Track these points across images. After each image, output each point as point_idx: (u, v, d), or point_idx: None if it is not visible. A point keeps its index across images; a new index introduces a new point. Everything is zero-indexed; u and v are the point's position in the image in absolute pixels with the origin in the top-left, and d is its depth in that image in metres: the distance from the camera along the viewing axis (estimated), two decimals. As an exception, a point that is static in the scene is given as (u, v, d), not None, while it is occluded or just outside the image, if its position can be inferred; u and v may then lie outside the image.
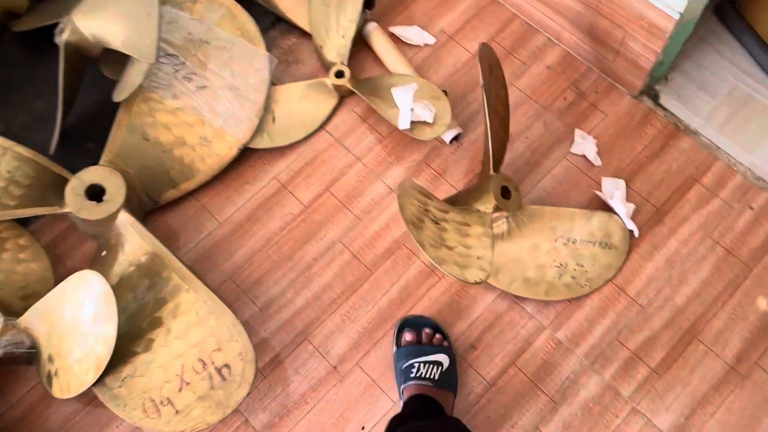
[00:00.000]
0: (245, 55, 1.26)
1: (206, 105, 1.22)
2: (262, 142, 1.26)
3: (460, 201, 1.13)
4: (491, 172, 1.10)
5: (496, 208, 1.08)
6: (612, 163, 1.25)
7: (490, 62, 1.12)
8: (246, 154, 1.28)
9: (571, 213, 1.17)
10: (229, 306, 1.03)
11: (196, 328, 1.04)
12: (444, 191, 1.24)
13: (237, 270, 1.20)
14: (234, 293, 1.18)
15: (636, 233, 1.18)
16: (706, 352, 1.11)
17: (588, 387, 1.10)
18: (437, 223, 1.01)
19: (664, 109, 1.29)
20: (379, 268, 1.19)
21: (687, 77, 1.32)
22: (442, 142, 1.27)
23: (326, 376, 1.12)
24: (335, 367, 1.13)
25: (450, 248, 0.97)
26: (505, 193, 1.10)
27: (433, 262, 0.92)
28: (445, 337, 1.12)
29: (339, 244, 1.21)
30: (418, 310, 1.15)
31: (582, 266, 1.15)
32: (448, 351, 1.10)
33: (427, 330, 1.11)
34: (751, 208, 1.20)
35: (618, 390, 1.09)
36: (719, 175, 1.23)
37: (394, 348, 1.12)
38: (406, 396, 1.06)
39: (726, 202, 1.21)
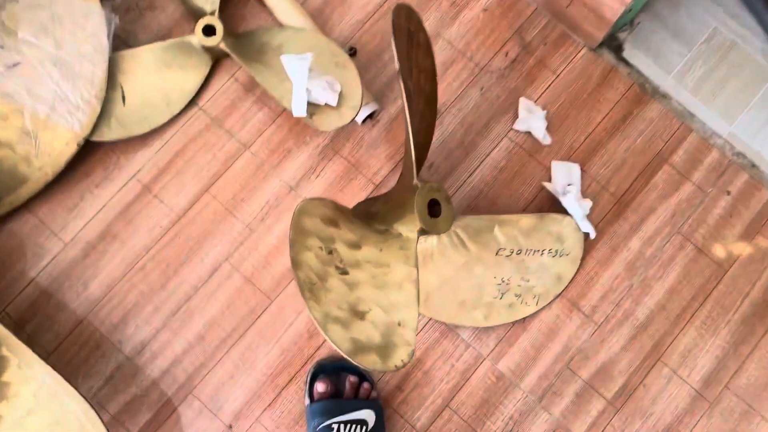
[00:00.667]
0: (72, 13, 0.90)
1: (22, 89, 0.88)
2: (110, 133, 0.94)
3: (378, 215, 0.87)
4: (414, 180, 0.84)
5: (422, 231, 0.83)
6: (564, 141, 1.00)
7: (408, 29, 0.82)
8: (91, 149, 0.96)
9: (514, 219, 0.93)
10: (87, 359, 0.79)
11: (34, 416, 0.79)
12: (359, 188, 0.98)
13: (93, 307, 0.93)
14: (92, 339, 0.92)
15: (592, 234, 0.96)
16: (671, 377, 0.95)
17: (535, 428, 0.92)
18: (346, 273, 0.76)
19: (629, 64, 1.03)
20: (279, 295, 0.94)
21: (657, 21, 1.05)
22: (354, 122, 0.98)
23: (221, 439, 0.91)
24: (230, 427, 0.91)
25: (363, 317, 0.73)
26: (433, 206, 0.84)
27: (344, 355, 0.68)
28: (372, 384, 0.91)
29: (226, 265, 0.95)
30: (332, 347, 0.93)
31: (528, 281, 0.94)
32: (375, 404, 0.89)
33: (351, 378, 0.90)
34: (728, 193, 1.00)
35: (570, 430, 0.92)
36: (692, 151, 1.01)
37: (307, 401, 0.90)
38: (318, 465, 0.86)
39: (699, 186, 1.00)
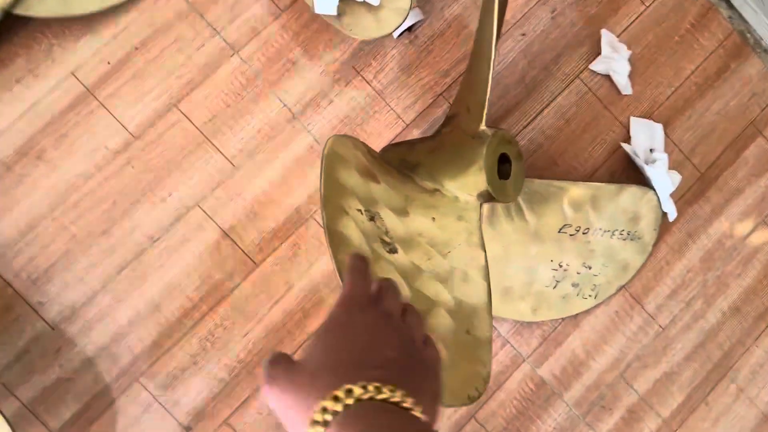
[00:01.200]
0: None
1: None
2: (42, 6, 0.65)
3: (420, 168, 0.63)
4: (482, 125, 0.61)
5: (486, 196, 0.60)
6: (646, 93, 0.79)
7: None
8: (13, 28, 0.66)
9: (591, 189, 0.72)
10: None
11: None
12: (384, 126, 0.73)
13: (5, 253, 0.66)
14: (0, 297, 0.66)
15: (672, 216, 0.76)
16: (738, 396, 0.78)
17: (576, 448, 0.74)
18: (394, 252, 0.53)
19: (731, 5, 0.82)
20: (266, 258, 0.70)
21: (771, -47, 0.83)
22: (386, 32, 0.73)
23: (173, 444, 0.68)
24: (188, 429, 0.68)
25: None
26: (501, 164, 0.62)
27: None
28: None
29: (197, 212, 0.69)
30: (330, 329, 0.70)
31: (590, 268, 0.73)
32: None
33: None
34: (825, 179, 0.82)
35: (616, 453, 0.75)
36: (791, 123, 0.82)
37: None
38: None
39: (794, 167, 0.82)
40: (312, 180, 0.71)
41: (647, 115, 0.78)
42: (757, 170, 0.80)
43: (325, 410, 0.34)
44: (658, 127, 0.77)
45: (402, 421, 0.34)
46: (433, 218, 0.57)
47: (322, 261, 0.71)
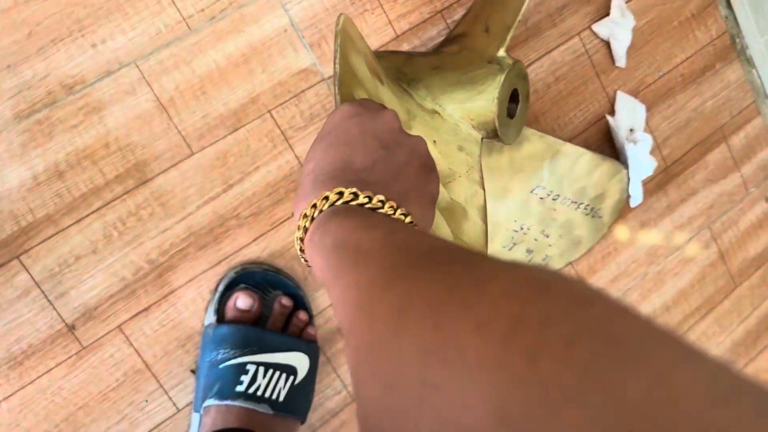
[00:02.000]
0: None
1: None
2: None
3: (419, 83, 0.55)
4: (502, 51, 0.53)
5: (491, 131, 0.53)
6: (637, 71, 0.75)
7: None
8: None
9: (578, 153, 0.67)
10: None
11: None
12: (372, 29, 0.63)
13: None
14: None
15: (635, 202, 0.74)
16: (648, 392, 0.78)
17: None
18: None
19: (729, 5, 0.80)
20: (206, 148, 0.59)
21: (775, -35, 0.82)
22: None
23: (51, 343, 0.55)
24: (72, 328, 0.56)
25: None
26: (509, 102, 0.55)
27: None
28: (311, 316, 0.61)
29: (132, 71, 0.56)
30: (270, 246, 0.61)
31: (547, 237, 0.69)
32: (312, 346, 0.60)
33: (283, 300, 0.59)
34: (767, 199, 0.84)
35: None
36: (752, 138, 0.82)
37: (210, 319, 0.58)
38: (210, 421, 0.55)
39: (744, 181, 0.82)
40: (278, 69, 0.60)
41: (633, 94, 0.75)
42: (715, 176, 0.80)
43: (305, 216, 0.35)
44: (642, 108, 0.74)
45: (374, 219, 0.32)
46: (435, 141, 0.49)
47: (272, 166, 0.61)
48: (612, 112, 0.73)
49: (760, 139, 0.82)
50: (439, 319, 0.21)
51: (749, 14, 0.81)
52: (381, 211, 0.34)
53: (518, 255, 0.68)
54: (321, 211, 0.34)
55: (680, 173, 0.78)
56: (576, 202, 0.69)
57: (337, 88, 0.39)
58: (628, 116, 0.73)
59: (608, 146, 0.73)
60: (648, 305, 0.77)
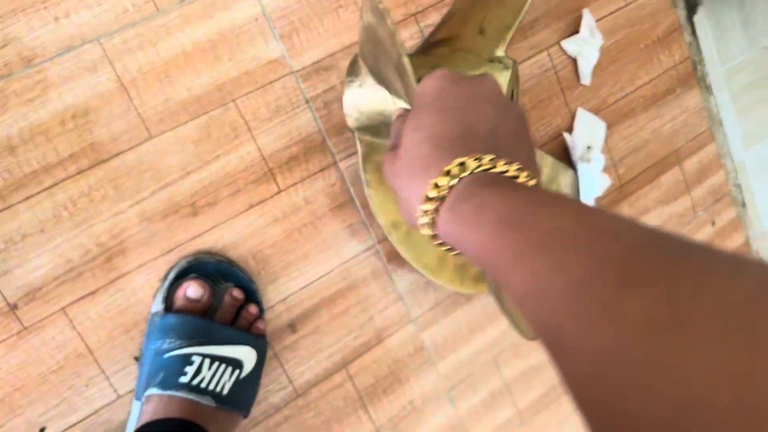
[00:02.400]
0: None
1: None
2: None
3: (401, 75, 0.55)
4: (501, 50, 0.53)
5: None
6: (601, 90, 0.77)
7: None
8: None
9: (540, 155, 0.68)
10: None
11: None
12: (345, 26, 0.63)
13: None
14: None
15: (587, 218, 0.76)
16: (586, 402, 0.81)
17: (433, 420, 0.72)
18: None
19: (694, 33, 0.82)
20: (165, 133, 0.58)
21: (735, 2, 0.85)
22: None
23: (-13, 321, 0.54)
24: (13, 308, 0.54)
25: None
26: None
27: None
28: (261, 310, 0.61)
29: (94, 48, 0.55)
30: (225, 238, 0.60)
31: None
32: (260, 341, 0.59)
33: (234, 292, 0.58)
34: (713, 224, 0.87)
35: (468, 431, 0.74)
36: (705, 163, 0.85)
37: (158, 306, 0.57)
38: (151, 410, 0.54)
39: (694, 205, 0.85)
40: (246, 58, 0.59)
41: (595, 112, 0.76)
42: (667, 197, 0.82)
43: (436, 186, 0.31)
44: (602, 126, 0.75)
45: (521, 191, 0.29)
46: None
47: (233, 156, 0.60)
48: (571, 129, 0.74)
49: (711, 165, 0.85)
50: (748, 342, 0.18)
51: (712, 43, 0.84)
52: (519, 180, 0.31)
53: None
54: (459, 179, 0.31)
55: (633, 192, 0.80)
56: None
57: (406, 60, 0.39)
58: (587, 133, 0.74)
59: (566, 163, 0.75)
60: (592, 318, 0.79)
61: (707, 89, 0.84)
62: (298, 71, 0.61)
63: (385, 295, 0.68)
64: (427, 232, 0.33)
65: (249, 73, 0.60)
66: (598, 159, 0.72)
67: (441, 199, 0.31)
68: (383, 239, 0.66)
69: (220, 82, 0.59)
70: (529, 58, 0.72)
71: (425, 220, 0.32)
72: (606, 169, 0.77)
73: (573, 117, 0.75)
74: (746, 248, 0.89)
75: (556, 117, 0.74)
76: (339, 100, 0.63)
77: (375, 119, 0.55)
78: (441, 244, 0.34)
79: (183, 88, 0.58)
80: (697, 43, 0.83)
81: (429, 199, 0.32)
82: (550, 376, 0.77)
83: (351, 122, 0.57)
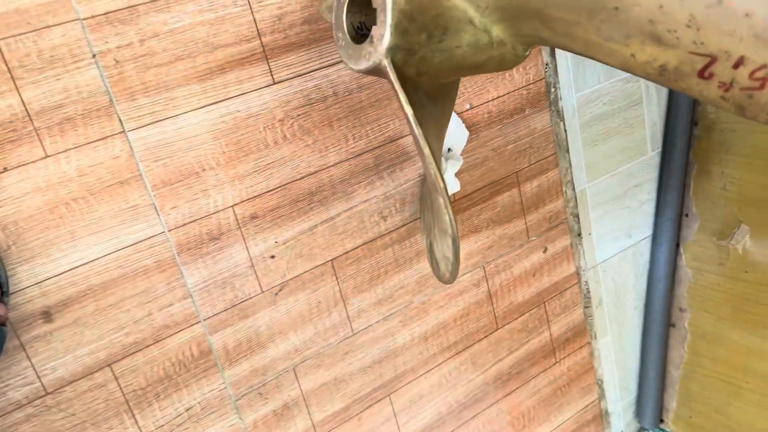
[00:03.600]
0: None
1: None
2: None
3: None
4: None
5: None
6: (467, 90, 0.72)
7: None
8: None
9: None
10: None
11: None
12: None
13: None
14: None
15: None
16: (389, 419, 0.77)
17: (213, 430, 0.65)
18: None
19: (553, 53, 0.79)
20: None
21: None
22: None
23: None
24: None
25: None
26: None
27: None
28: (3, 293, 0.51)
29: None
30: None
31: (313, 249, 0.64)
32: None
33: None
34: (545, 250, 0.85)
35: (252, 445, 0.68)
36: (545, 188, 0.83)
37: None
38: None
39: (528, 228, 0.83)
40: None
41: (460, 115, 0.72)
42: (501, 218, 0.80)
43: None
44: (465, 134, 0.72)
45: None
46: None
47: (-13, 107, 0.50)
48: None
49: (551, 191, 0.84)
50: None
51: (570, 67, 0.82)
52: None
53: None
54: None
55: (466, 209, 0.77)
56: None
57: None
58: (451, 136, 0.70)
59: (399, 168, 0.70)
60: (407, 333, 0.76)
61: (558, 114, 0.82)
62: (85, 19, 0.52)
63: (170, 291, 0.60)
64: None
65: (21, 11, 0.50)
66: (454, 163, 0.69)
67: None
68: (175, 227, 0.59)
69: (-20, 15, 0.49)
70: (372, 51, 0.66)
71: None
72: (458, 174, 0.74)
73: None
74: (575, 279, 0.89)
75: (393, 120, 0.69)
76: (136, 59, 0.54)
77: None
78: None
79: None
80: (555, 66, 0.80)
81: None
82: (355, 389, 0.73)
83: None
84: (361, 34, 0.50)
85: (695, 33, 0.39)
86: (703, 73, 0.41)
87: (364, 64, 0.47)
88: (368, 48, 0.47)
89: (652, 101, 0.90)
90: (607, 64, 0.47)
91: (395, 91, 0.47)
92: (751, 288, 0.87)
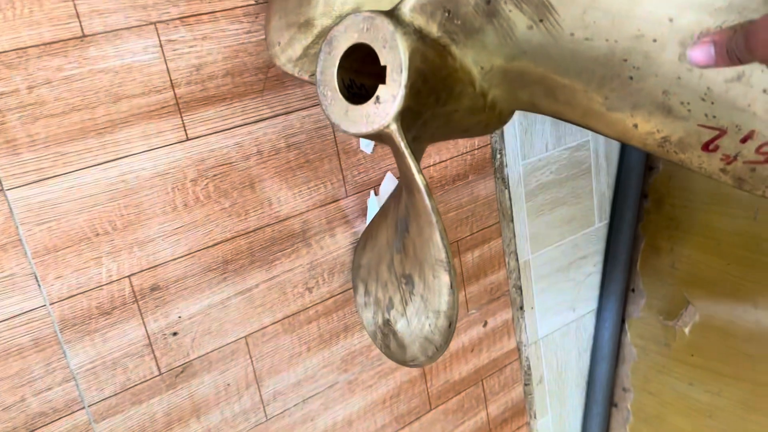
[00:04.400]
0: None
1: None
2: None
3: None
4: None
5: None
6: (384, 160, 0.67)
7: None
8: None
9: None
10: None
11: None
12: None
13: None
14: None
15: (340, 305, 0.65)
16: None
17: None
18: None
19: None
20: None
21: (553, 92, 0.80)
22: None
23: None
24: None
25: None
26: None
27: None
28: None
29: None
30: None
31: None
32: None
33: None
34: (485, 324, 0.80)
35: None
36: (486, 258, 0.78)
37: None
38: None
39: (467, 301, 0.77)
40: None
41: (376, 184, 0.66)
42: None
43: None
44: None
45: None
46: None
47: None
48: (377, 191, 0.63)
49: (494, 261, 0.79)
50: None
51: (518, 134, 0.77)
52: None
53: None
54: None
55: (403, 281, 0.71)
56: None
57: None
58: (384, 195, 0.65)
59: (329, 235, 0.64)
60: (329, 417, 0.69)
61: (503, 181, 0.77)
62: (-42, 60, 0.44)
63: (48, 373, 0.52)
64: None
65: None
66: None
67: None
68: (59, 299, 0.51)
69: None
70: (303, 109, 0.60)
71: None
72: (375, 251, 0.67)
73: (346, 186, 0.64)
74: (515, 355, 0.84)
75: (326, 183, 0.63)
76: (22, 108, 0.47)
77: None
78: None
79: None
80: (502, 132, 0.76)
81: None
82: (265, 482, 0.65)
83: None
84: (352, 93, 0.44)
85: (709, 106, 0.39)
86: (708, 146, 0.40)
87: (364, 128, 0.42)
88: (372, 109, 0.41)
89: (602, 171, 0.86)
90: (600, 133, 0.45)
91: (402, 159, 0.42)
92: (696, 373, 0.83)
